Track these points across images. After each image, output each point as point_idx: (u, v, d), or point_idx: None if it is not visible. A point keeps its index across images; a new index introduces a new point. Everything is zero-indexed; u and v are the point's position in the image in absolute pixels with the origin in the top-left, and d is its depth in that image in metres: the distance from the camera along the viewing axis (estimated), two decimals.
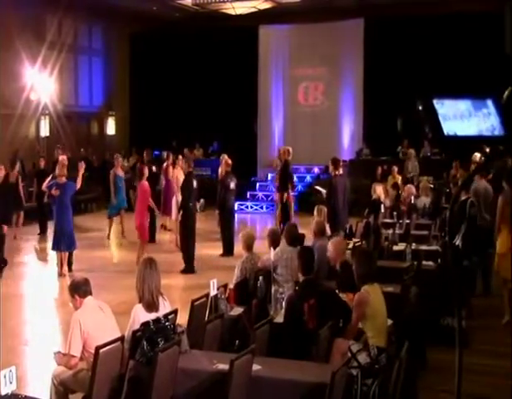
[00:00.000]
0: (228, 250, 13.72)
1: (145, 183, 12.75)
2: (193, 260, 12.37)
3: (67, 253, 12.07)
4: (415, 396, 6.04)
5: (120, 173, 16.23)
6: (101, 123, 24.87)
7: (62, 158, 12.62)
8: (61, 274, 11.89)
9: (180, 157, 15.97)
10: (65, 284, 11.22)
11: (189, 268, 12.18)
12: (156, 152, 20.93)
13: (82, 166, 12.06)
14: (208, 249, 14.03)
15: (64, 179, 11.91)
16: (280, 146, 18.98)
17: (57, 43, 21.35)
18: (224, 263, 12.70)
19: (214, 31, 23.19)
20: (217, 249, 13.93)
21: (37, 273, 13.05)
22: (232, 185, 13.89)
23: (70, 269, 12.13)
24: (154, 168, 15.01)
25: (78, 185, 12.07)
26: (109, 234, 15.90)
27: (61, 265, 11.97)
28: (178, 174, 14.77)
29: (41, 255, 14.53)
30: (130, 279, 6.03)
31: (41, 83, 20.50)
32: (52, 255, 12.95)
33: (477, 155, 13.70)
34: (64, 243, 11.87)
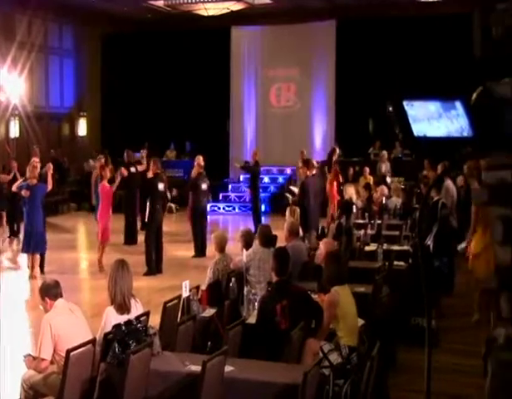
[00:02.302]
0: (200, 251, 13.70)
1: (106, 184, 12.77)
2: (158, 262, 12.33)
3: (38, 255, 11.95)
4: (386, 396, 6.08)
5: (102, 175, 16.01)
6: (73, 124, 24.65)
7: (33, 160, 12.49)
8: (32, 277, 11.76)
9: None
10: (36, 287, 11.13)
11: (150, 271, 12.13)
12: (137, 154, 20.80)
13: (50, 168, 12.01)
14: (180, 251, 13.99)
15: (35, 181, 11.81)
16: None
17: (27, 43, 21.09)
18: (197, 264, 12.69)
19: (187, 32, 23.14)
20: (189, 250, 13.89)
21: (7, 275, 12.87)
22: (204, 186, 13.87)
23: (42, 271, 12.01)
24: (133, 169, 14.80)
25: (50, 187, 11.98)
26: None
27: (32, 267, 11.85)
28: None
29: (12, 258, 14.34)
30: (102, 281, 5.99)
31: (10, 84, 20.25)
32: (23, 257, 12.79)
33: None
34: (35, 244, 11.75)
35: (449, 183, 11.72)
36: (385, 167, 18.00)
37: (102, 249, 12.60)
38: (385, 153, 18.25)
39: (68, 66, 24.34)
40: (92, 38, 24.86)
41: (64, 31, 24.09)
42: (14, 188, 12.48)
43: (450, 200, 11.32)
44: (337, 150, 17.96)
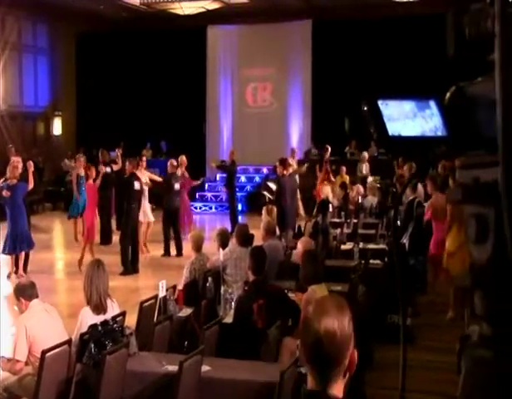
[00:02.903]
0: (167, 252, 13.70)
1: (92, 183, 12.73)
2: (135, 261, 12.29)
3: (24, 254, 11.78)
4: (362, 393, 6.12)
5: (83, 173, 15.84)
6: (47, 123, 24.42)
7: (14, 160, 12.31)
8: (18, 276, 11.46)
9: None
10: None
11: (127, 270, 12.08)
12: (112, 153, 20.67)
13: (31, 166, 11.89)
14: (156, 250, 13.93)
15: (15, 181, 11.65)
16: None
17: (0, 41, 20.88)
18: (173, 263, 12.65)
19: (162, 30, 23.05)
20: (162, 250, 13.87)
21: None
22: (176, 186, 13.83)
23: (25, 271, 11.81)
24: (108, 169, 14.68)
25: (31, 185, 11.83)
26: (75, 236, 15.42)
27: (17, 267, 11.66)
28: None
29: None
30: (78, 281, 5.95)
31: None
32: (2, 258, 12.55)
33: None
34: (21, 244, 11.60)
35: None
36: (365, 168, 18.04)
37: (84, 249, 12.53)
38: (365, 154, 18.26)
39: (42, 65, 24.10)
40: (67, 36, 24.65)
41: (38, 28, 23.86)
42: None
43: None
44: (329, 149, 17.88)
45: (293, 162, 16.55)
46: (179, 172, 14.42)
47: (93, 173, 13.24)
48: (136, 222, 12.54)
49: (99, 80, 24.07)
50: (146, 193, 13.95)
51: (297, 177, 15.60)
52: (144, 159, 14.74)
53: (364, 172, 17.68)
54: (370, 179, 16.86)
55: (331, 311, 2.12)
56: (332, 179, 16.24)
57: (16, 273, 11.66)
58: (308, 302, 5.88)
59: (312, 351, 2.05)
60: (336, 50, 21.31)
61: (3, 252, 11.87)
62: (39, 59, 23.99)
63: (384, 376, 6.54)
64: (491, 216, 1.31)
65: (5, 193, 11.60)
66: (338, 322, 2.11)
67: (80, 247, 13.33)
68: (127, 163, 13.02)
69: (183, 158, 14.79)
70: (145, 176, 13.83)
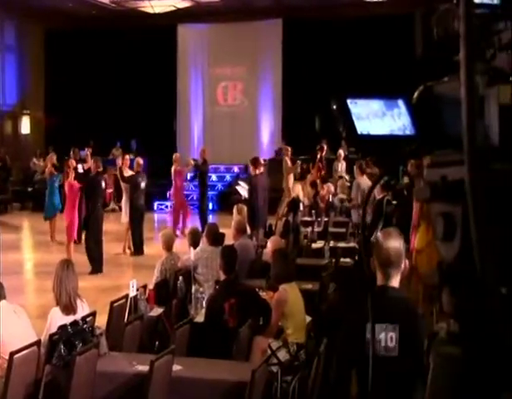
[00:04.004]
0: (138, 249, 13.62)
1: (73, 181, 12.66)
2: (99, 261, 12.18)
3: None
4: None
5: (55, 172, 15.63)
6: (15, 122, 24.15)
7: None
8: None
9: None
10: None
11: (95, 269, 12.01)
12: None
13: None
14: (120, 249, 13.86)
15: None
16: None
17: None
18: (139, 262, 12.62)
19: (132, 29, 22.91)
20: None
21: None
22: (142, 185, 13.80)
23: None
24: (80, 167, 14.57)
25: None
26: (52, 236, 15.23)
27: None
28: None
29: None
30: (48, 282, 5.90)
31: None
32: None
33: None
34: None
35: (362, 179, 11.94)
36: (341, 166, 17.96)
37: (68, 247, 12.48)
38: (341, 152, 18.16)
39: (10, 63, 23.82)
40: (36, 34, 24.40)
41: (6, 25, 23.58)
42: None
43: (360, 196, 11.57)
44: (325, 148, 17.67)
45: (289, 160, 16.52)
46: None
47: (72, 171, 13.09)
48: (102, 221, 12.46)
49: (68, 78, 23.84)
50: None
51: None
52: (127, 157, 14.67)
53: (339, 170, 17.61)
54: (346, 177, 16.82)
55: (393, 234, 3.43)
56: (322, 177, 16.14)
57: None
58: (279, 302, 5.91)
59: (383, 260, 3.29)
60: (306, 49, 21.39)
61: None
62: (7, 56, 23.72)
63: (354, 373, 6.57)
64: (458, 214, 1.32)
65: None
66: (398, 242, 3.37)
67: (59, 246, 13.34)
68: (92, 162, 12.91)
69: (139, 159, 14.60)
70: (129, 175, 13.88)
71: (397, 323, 3.22)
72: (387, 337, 3.18)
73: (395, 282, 3.32)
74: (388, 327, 3.20)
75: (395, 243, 3.34)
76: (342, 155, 17.89)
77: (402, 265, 3.35)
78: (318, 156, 16.98)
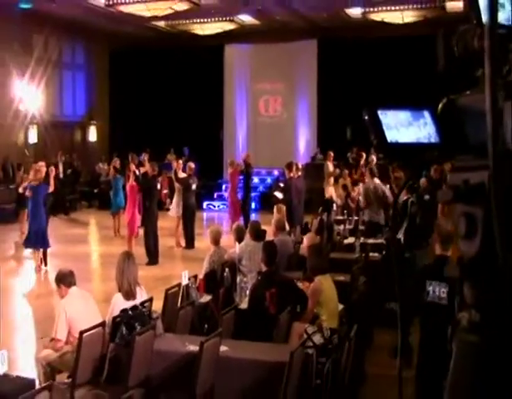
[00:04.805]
0: (189, 243, 13.69)
1: (133, 183, 12.81)
2: (155, 253, 12.26)
3: (41, 251, 11.63)
4: (363, 372, 6.10)
5: (118, 175, 15.66)
6: (84, 131, 24.56)
7: (38, 164, 12.26)
8: (36, 270, 11.53)
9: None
10: (39, 278, 11.06)
11: (151, 261, 12.10)
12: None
13: (52, 171, 11.80)
14: (172, 243, 13.93)
15: (37, 183, 11.53)
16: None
17: (44, 59, 20.99)
18: (193, 255, 12.67)
19: (185, 49, 23.08)
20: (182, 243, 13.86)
21: (19, 268, 12.56)
22: (193, 186, 13.87)
23: (45, 264, 11.73)
24: (137, 172, 14.69)
25: (51, 188, 11.67)
26: (115, 231, 15.38)
27: (40, 261, 11.60)
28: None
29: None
30: (111, 270, 5.98)
31: (29, 95, 20.19)
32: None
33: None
34: (37, 241, 11.44)
35: (372, 182, 11.64)
36: (331, 166, 17.30)
37: (129, 241, 12.63)
38: (373, 158, 17.68)
39: (80, 80, 24.25)
40: (101, 54, 24.78)
41: (76, 48, 24.01)
42: (20, 189, 12.35)
43: (366, 198, 11.32)
44: (364, 155, 17.31)
45: (330, 164, 16.37)
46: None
47: (132, 175, 13.19)
48: (157, 218, 12.55)
49: (129, 92, 24.16)
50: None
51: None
52: (180, 162, 14.67)
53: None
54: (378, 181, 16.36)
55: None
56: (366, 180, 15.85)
57: (39, 266, 11.54)
58: (315, 292, 5.89)
59: (443, 235, 3.91)
60: (339, 66, 21.27)
61: (25, 246, 11.86)
62: (77, 74, 24.14)
63: (383, 357, 6.51)
64: (479, 214, 1.30)
65: (28, 192, 11.58)
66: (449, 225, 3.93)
67: (121, 239, 13.52)
68: (149, 166, 13.00)
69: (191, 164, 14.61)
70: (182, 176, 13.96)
71: (447, 282, 4.05)
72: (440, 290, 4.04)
73: (449, 253, 4.09)
74: (441, 284, 4.06)
75: (449, 227, 4.10)
76: (375, 160, 17.47)
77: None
78: (362, 162, 16.74)
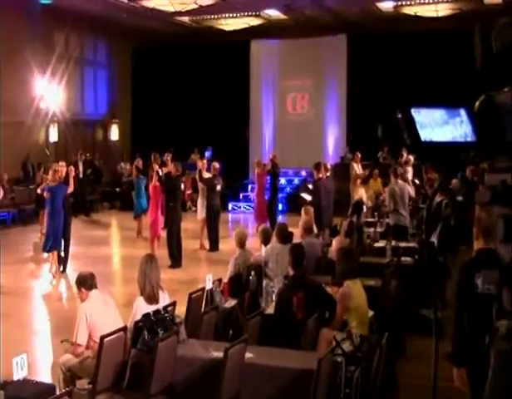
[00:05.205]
0: (214, 246, 13.72)
1: (157, 184, 12.86)
2: (178, 256, 12.30)
3: (56, 253, 11.61)
4: (394, 382, 6.05)
5: (140, 175, 15.69)
6: (106, 129, 24.79)
7: (56, 164, 12.30)
8: (51, 273, 11.53)
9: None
10: (58, 281, 11.13)
11: (174, 264, 12.14)
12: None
13: (72, 170, 11.81)
14: (196, 245, 13.97)
15: (55, 184, 11.53)
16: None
17: (65, 56, 21.25)
18: (217, 257, 12.71)
19: (210, 45, 23.16)
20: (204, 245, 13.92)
21: (36, 271, 12.58)
22: (218, 187, 13.87)
23: (64, 268, 11.80)
24: (160, 172, 14.74)
25: (70, 189, 11.69)
26: (138, 233, 15.49)
27: (58, 263, 11.61)
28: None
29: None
30: (133, 273, 6.02)
31: (50, 93, 20.44)
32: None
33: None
34: (53, 243, 11.41)
35: (396, 184, 11.50)
36: (410, 172, 17.14)
37: (152, 242, 12.69)
38: (410, 157, 17.50)
39: (102, 77, 24.50)
40: (124, 51, 24.99)
41: (98, 44, 24.26)
42: (39, 190, 12.31)
43: (392, 200, 11.20)
44: (404, 155, 17.09)
45: (356, 165, 16.35)
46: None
47: (155, 175, 13.22)
48: (180, 220, 12.57)
49: (152, 90, 24.34)
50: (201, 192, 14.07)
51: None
52: (204, 161, 14.65)
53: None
54: (417, 181, 16.16)
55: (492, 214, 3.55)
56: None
57: (57, 270, 11.53)
58: (344, 297, 5.86)
59: (484, 229, 3.62)
60: (370, 62, 21.13)
61: (43, 249, 11.73)
62: (99, 72, 24.40)
63: (415, 366, 6.46)
64: None
65: (46, 194, 11.56)
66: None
67: (144, 241, 13.63)
68: (172, 166, 12.98)
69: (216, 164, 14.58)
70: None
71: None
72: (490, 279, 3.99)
73: (492, 245, 4.00)
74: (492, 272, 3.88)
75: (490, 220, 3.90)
76: (412, 160, 17.19)
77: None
78: (402, 160, 16.59)
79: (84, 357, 5.49)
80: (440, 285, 8.52)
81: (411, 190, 11.60)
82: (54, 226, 11.43)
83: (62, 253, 11.84)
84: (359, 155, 16.76)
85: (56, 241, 11.51)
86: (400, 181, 11.60)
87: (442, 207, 10.00)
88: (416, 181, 16.17)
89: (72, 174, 11.78)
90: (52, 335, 8.19)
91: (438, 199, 10.20)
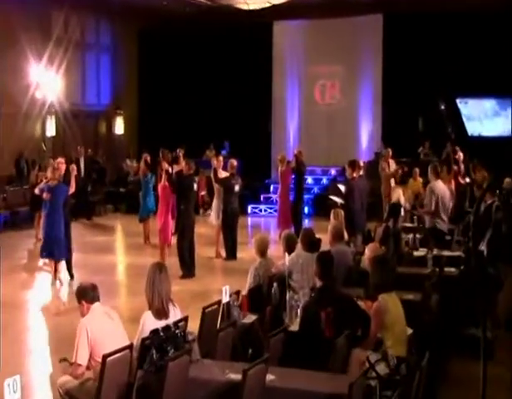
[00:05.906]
0: (231, 254, 13.74)
1: (166, 184, 12.87)
2: (191, 265, 12.32)
3: (58, 261, 11.37)
4: None
5: (149, 172, 15.79)
6: (109, 122, 24.89)
7: (56, 161, 12.31)
8: (53, 282, 11.42)
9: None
10: (59, 292, 11.18)
11: (187, 274, 12.16)
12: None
13: (74, 169, 11.72)
14: (211, 253, 14.00)
15: (56, 183, 11.35)
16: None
17: (64, 39, 21.38)
18: (235, 267, 12.72)
19: (227, 27, 23.15)
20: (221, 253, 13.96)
21: (31, 279, 12.76)
22: (236, 188, 13.82)
23: (71, 277, 11.85)
24: (170, 170, 14.75)
25: (72, 189, 11.61)
26: (145, 238, 15.57)
27: (54, 272, 11.39)
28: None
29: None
30: (140, 284, 6.05)
31: (47, 81, 20.57)
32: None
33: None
34: (53, 250, 11.19)
35: (437, 183, 11.41)
36: (391, 165, 17.08)
37: (162, 250, 12.76)
38: (461, 154, 17.26)
39: (105, 63, 24.62)
40: (130, 34, 25.11)
41: (101, 26, 24.40)
42: (36, 190, 12.24)
43: (434, 202, 11.11)
44: (459, 150, 16.96)
45: (386, 163, 16.29)
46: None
47: (165, 174, 13.20)
48: (193, 224, 12.56)
49: (162, 77, 24.41)
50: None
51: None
52: (220, 158, 14.66)
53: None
54: (467, 180, 16.02)
55: None
56: (461, 181, 15.51)
57: (55, 278, 11.35)
58: (378, 312, 5.85)
59: None
60: (408, 45, 21.03)
61: (41, 255, 11.62)
62: (102, 57, 24.53)
63: (460, 392, 6.42)
64: None
65: (45, 195, 11.27)
66: None
67: (152, 248, 13.68)
68: (184, 163, 12.97)
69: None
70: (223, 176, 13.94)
71: None
72: None
73: None
74: None
75: None
76: (462, 157, 16.98)
77: None
78: (457, 157, 16.43)
79: (84, 378, 5.53)
80: (490, 300, 8.45)
81: (447, 192, 11.53)
82: (54, 230, 11.31)
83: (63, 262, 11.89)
84: (390, 152, 16.69)
85: (56, 248, 11.41)
86: (440, 181, 11.47)
87: (492, 210, 9.92)
88: (467, 180, 16.01)
89: (74, 172, 11.72)
90: (50, 353, 8.26)
91: (488, 201, 10.13)
